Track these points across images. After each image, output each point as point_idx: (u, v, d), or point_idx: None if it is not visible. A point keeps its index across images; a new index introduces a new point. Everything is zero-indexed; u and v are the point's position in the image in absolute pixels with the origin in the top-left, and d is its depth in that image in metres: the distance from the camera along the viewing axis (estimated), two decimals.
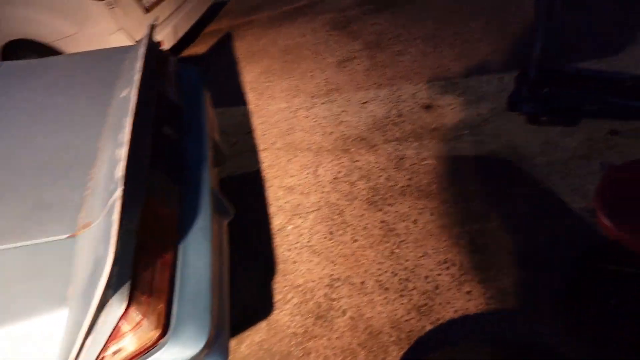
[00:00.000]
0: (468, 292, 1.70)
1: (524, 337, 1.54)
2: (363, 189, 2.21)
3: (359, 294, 1.82)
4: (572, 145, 2.07)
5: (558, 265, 1.68)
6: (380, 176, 2.25)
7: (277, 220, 2.21)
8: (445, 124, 2.41)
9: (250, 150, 2.67)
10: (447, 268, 1.79)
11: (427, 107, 2.54)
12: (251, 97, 3.15)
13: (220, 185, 1.99)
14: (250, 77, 3.37)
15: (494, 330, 1.58)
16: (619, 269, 1.53)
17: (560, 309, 1.57)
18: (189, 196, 1.61)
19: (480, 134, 2.28)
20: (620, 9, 2.73)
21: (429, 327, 1.65)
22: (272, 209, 2.28)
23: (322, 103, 2.85)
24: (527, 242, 1.79)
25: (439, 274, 1.78)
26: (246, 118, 2.96)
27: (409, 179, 2.19)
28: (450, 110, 2.46)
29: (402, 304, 1.74)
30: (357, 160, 2.37)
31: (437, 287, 1.75)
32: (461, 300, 1.69)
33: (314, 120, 2.74)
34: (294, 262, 2.01)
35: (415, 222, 1.99)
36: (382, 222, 2.04)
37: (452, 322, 1.64)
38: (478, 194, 2.02)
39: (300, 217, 2.19)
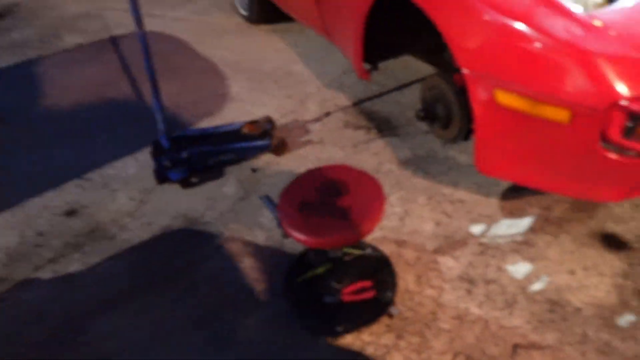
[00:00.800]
0: None
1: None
2: (39, 332, 1.71)
3: None
4: (230, 193, 2.24)
5: (279, 292, 1.77)
6: (55, 306, 1.80)
7: None
8: (100, 221, 2.16)
9: None
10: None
11: (70, 214, 2.21)
12: None
13: None
14: None
15: None
16: (318, 272, 1.75)
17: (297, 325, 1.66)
18: None
19: (143, 216, 2.16)
20: (208, 78, 3.17)
21: None
22: None
23: None
24: (245, 289, 1.80)
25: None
26: None
27: (102, 292, 1.84)
28: (100, 207, 2.23)
29: None
30: (12, 307, 1.82)
31: None
32: None
33: None
34: None
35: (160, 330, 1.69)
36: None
37: None
38: (174, 272, 1.90)
39: None
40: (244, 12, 3.78)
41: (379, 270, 1.78)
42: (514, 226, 1.96)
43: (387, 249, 1.90)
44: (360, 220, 1.39)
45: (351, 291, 1.68)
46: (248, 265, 1.91)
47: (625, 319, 1.60)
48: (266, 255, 1.94)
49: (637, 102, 1.22)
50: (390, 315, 1.66)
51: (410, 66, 3.00)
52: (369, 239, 1.92)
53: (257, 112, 2.73)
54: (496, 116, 1.52)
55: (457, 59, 1.55)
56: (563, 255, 1.82)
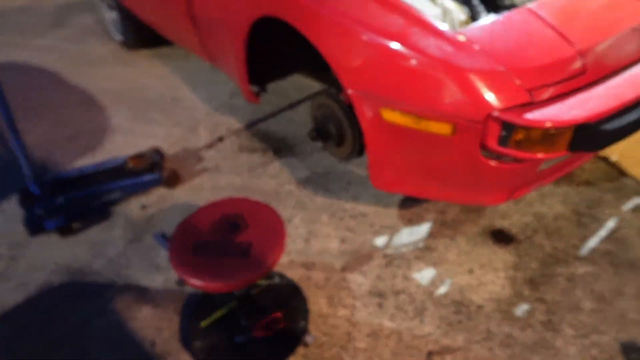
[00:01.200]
0: None
1: None
2: None
3: None
4: (120, 235, 2.04)
5: (184, 339, 1.63)
6: None
7: None
8: None
9: None
10: None
11: None
12: None
13: None
14: None
15: None
16: (224, 312, 1.64)
17: None
18: None
19: (15, 276, 1.88)
20: (82, 113, 2.89)
21: None
22: None
23: None
24: (145, 343, 1.63)
25: None
26: None
27: None
28: None
29: None
30: None
31: None
32: None
33: None
34: None
35: None
36: None
37: None
38: (59, 336, 1.67)
39: None
40: (119, 38, 3.53)
41: (289, 298, 1.72)
42: (415, 233, 2.02)
43: (295, 274, 1.85)
44: (262, 255, 1.32)
45: (262, 326, 1.59)
46: (147, 315, 1.73)
47: (521, 309, 1.71)
48: (166, 300, 1.78)
49: (508, 113, 1.31)
50: (306, 345, 1.60)
51: (301, 84, 3.00)
52: (276, 266, 1.86)
53: (143, 144, 2.54)
54: (384, 133, 1.55)
55: (341, 80, 1.56)
56: (461, 256, 1.91)
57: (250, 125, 2.68)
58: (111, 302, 1.78)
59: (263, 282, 1.74)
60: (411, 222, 2.07)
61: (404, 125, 1.48)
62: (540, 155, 1.37)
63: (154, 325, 1.70)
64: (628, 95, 1.36)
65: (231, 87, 3.02)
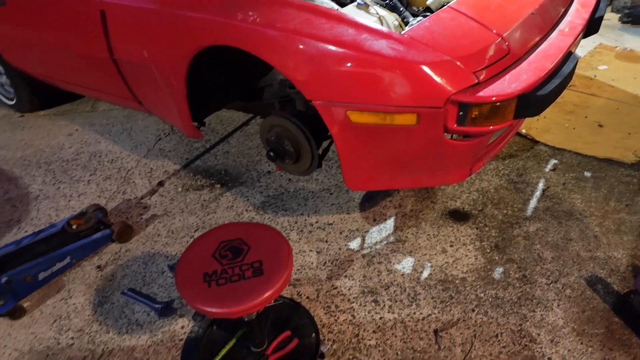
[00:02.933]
0: None
1: None
2: None
3: None
4: (82, 302, 1.84)
5: None
6: None
7: None
8: None
9: None
10: None
11: None
12: None
13: None
14: None
15: None
16: (233, 344, 1.57)
17: None
18: None
19: None
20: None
21: None
22: None
23: None
24: None
25: None
26: None
27: None
28: None
29: None
30: None
31: None
32: None
33: None
34: None
35: None
36: None
37: None
38: None
39: None
40: (9, 102, 3.23)
41: (292, 316, 1.70)
42: (383, 230, 2.12)
43: (285, 294, 1.84)
44: (276, 270, 1.31)
45: (275, 348, 1.56)
46: None
47: (498, 272, 1.88)
48: (161, 354, 1.65)
49: (462, 94, 1.48)
50: (322, 356, 1.59)
51: (224, 117, 3.00)
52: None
53: (76, 205, 2.35)
54: (354, 135, 1.64)
55: (305, 94, 1.62)
56: (430, 240, 2.05)
57: (188, 165, 2.61)
58: None
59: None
60: (376, 221, 2.17)
61: (373, 123, 1.59)
62: (493, 127, 1.56)
63: None
64: (548, 66, 1.62)
65: (155, 131, 2.92)
